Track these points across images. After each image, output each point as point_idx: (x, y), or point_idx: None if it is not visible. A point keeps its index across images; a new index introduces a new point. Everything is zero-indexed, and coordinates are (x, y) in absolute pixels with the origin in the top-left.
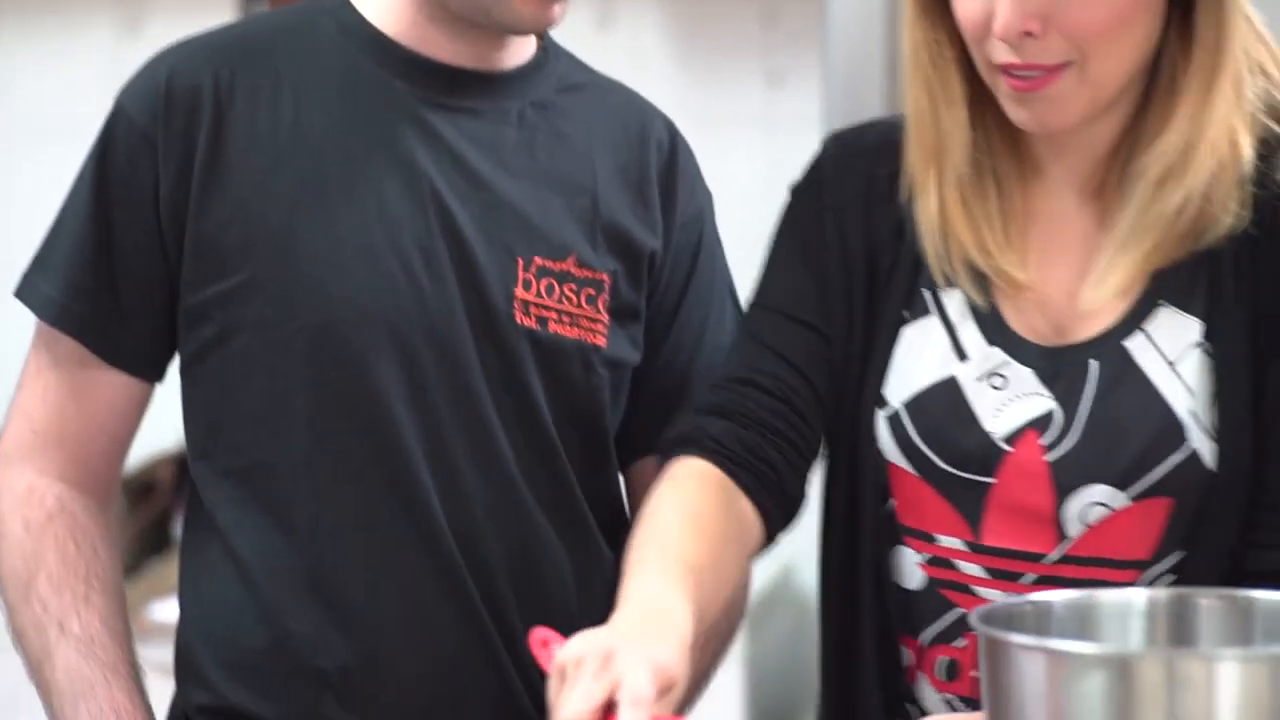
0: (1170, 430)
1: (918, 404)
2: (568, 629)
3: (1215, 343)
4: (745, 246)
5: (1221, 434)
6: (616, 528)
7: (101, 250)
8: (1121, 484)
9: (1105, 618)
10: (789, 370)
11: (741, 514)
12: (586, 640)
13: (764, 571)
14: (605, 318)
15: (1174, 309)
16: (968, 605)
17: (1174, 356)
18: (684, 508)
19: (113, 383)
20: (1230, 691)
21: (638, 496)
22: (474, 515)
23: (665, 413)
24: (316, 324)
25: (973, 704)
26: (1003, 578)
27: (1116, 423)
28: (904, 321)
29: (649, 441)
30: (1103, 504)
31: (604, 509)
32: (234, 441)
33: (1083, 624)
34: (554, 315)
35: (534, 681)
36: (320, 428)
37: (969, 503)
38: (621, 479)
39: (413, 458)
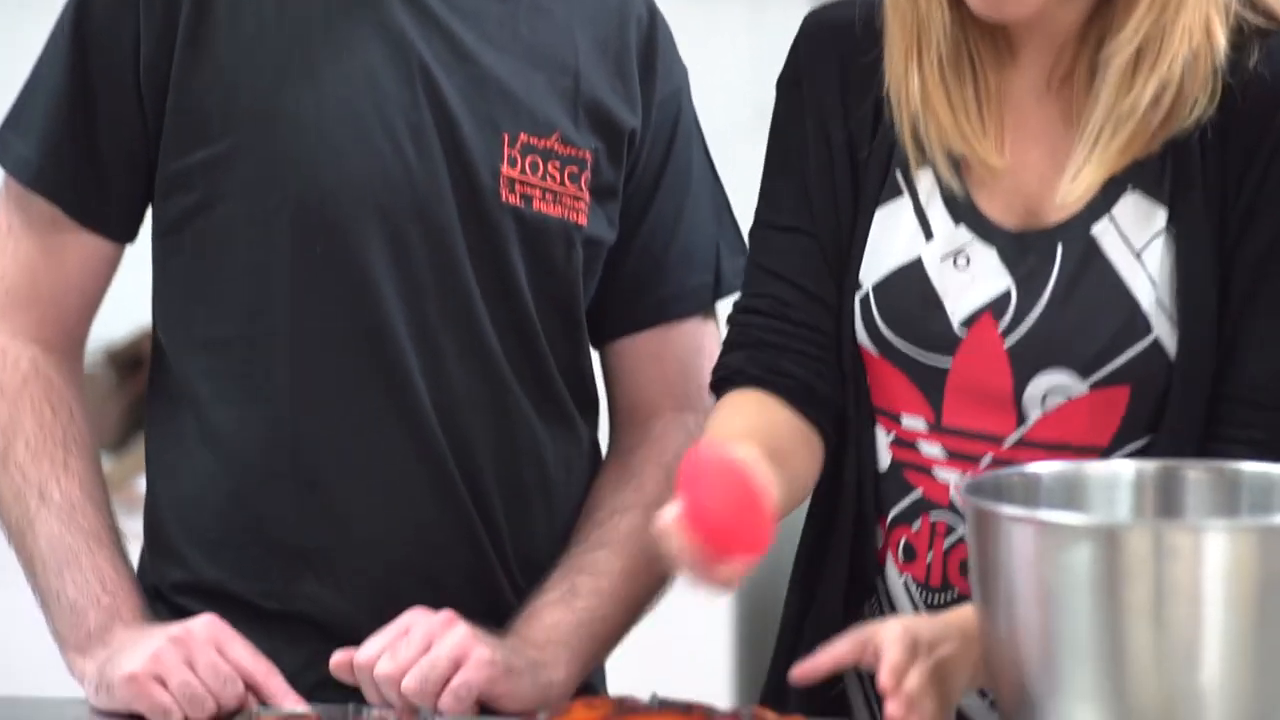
0: (1134, 320)
1: (884, 286)
2: (548, 507)
3: (1180, 229)
4: (733, 126)
5: (1183, 322)
6: (589, 409)
7: (80, 110)
8: (1082, 372)
9: (1093, 489)
10: (782, 285)
11: (791, 417)
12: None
13: None
14: (587, 196)
15: (1141, 195)
16: (926, 487)
17: (1140, 245)
18: (732, 415)
19: (85, 244)
20: (1217, 562)
21: (613, 377)
22: (456, 394)
23: (642, 293)
24: (303, 197)
25: (927, 587)
26: (961, 459)
27: (1078, 311)
28: (878, 204)
29: (625, 322)
30: (1062, 389)
31: (578, 390)
32: (212, 311)
33: (1070, 495)
34: (538, 193)
35: (511, 559)
36: (303, 302)
37: (930, 384)
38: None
39: (397, 335)
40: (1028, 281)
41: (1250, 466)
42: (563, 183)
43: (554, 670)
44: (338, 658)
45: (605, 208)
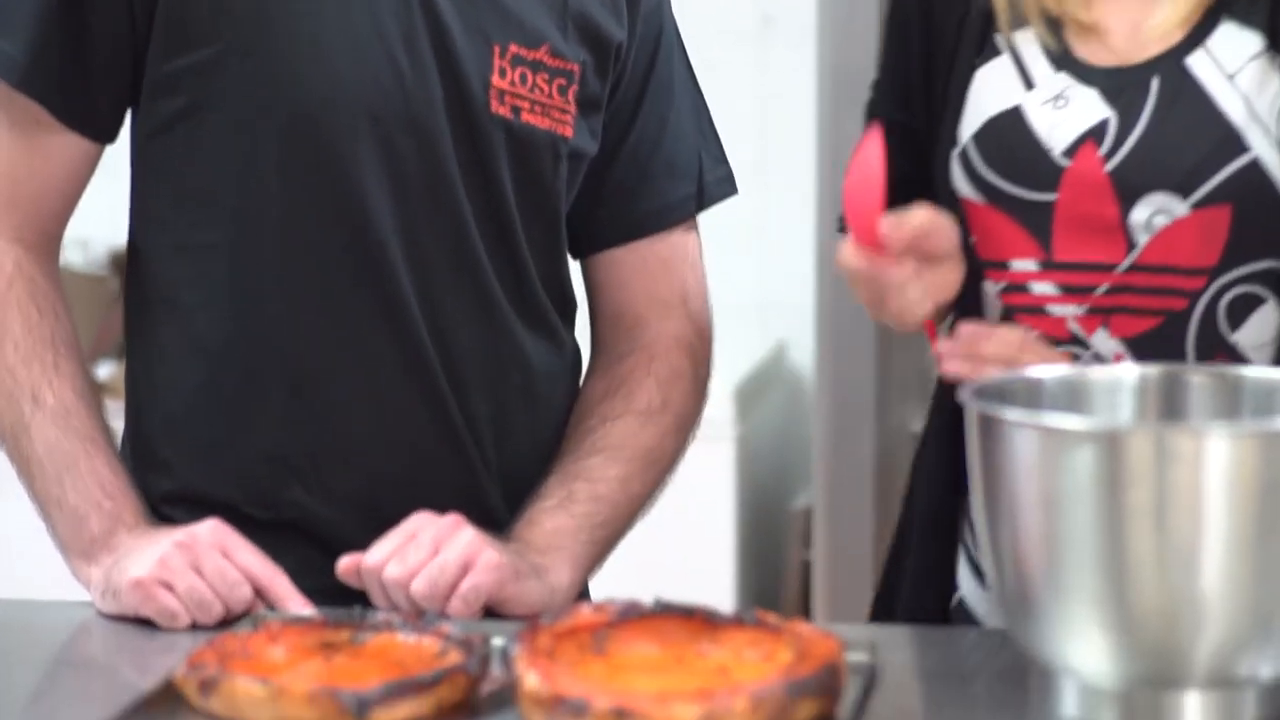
0: (1227, 138)
1: (984, 134)
2: (533, 417)
3: (1278, 51)
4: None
5: None
6: (568, 318)
7: (68, 11)
8: (1182, 191)
9: (1096, 393)
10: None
11: None
12: None
13: (756, 350)
14: (573, 109)
15: (1236, 24)
16: (1041, 326)
17: (1233, 69)
18: None
19: (68, 144)
20: (1219, 466)
21: (597, 288)
22: (443, 303)
23: (628, 204)
24: (293, 104)
25: None
26: (1075, 292)
27: (1173, 133)
28: (975, 67)
29: (611, 234)
30: (1165, 212)
31: (559, 300)
32: (199, 216)
33: (1073, 399)
34: (527, 105)
35: (495, 469)
36: (293, 210)
37: (1037, 222)
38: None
39: (386, 244)
40: (1125, 110)
41: (1253, 371)
42: (550, 95)
43: (557, 575)
44: (345, 562)
45: (589, 120)
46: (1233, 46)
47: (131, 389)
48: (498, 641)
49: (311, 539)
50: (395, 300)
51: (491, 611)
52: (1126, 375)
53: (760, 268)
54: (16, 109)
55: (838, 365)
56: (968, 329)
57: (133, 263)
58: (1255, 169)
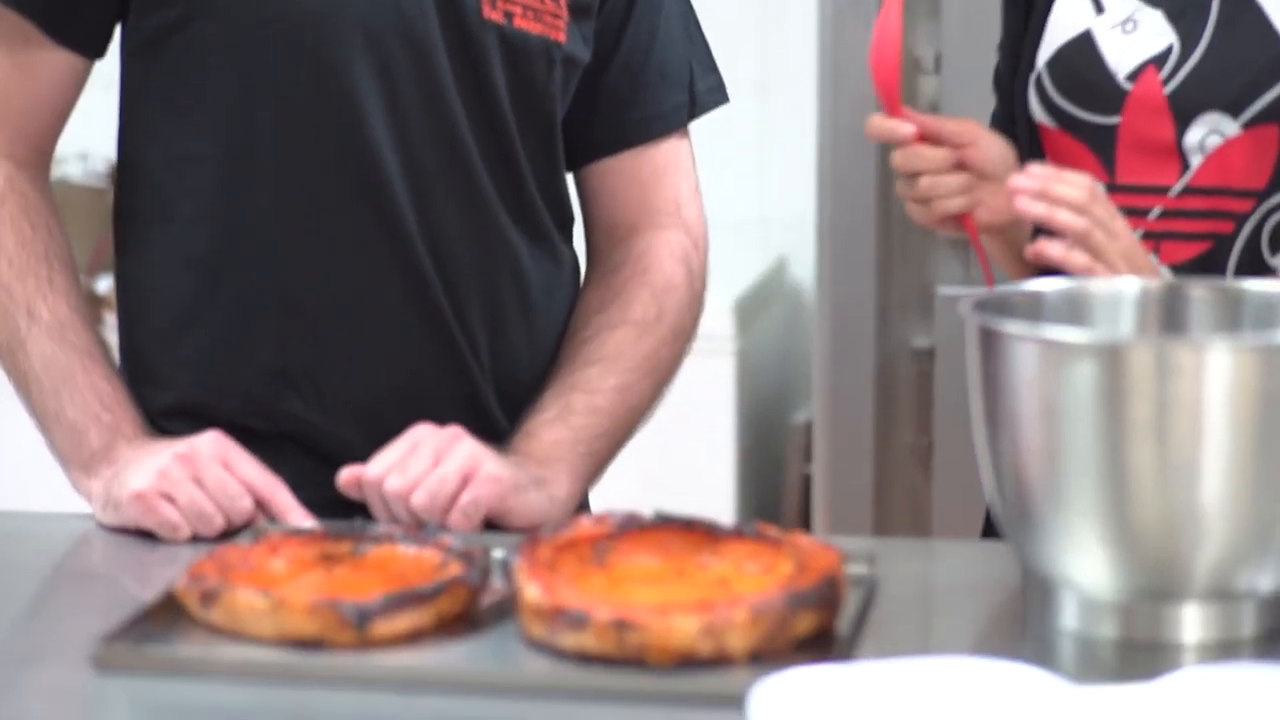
0: (1277, 56)
1: (1057, 60)
2: (529, 328)
3: None
4: None
5: None
6: (566, 229)
7: None
8: (1233, 110)
9: (1097, 307)
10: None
11: None
12: None
13: (758, 264)
14: (565, 14)
15: None
16: None
17: None
18: None
19: (57, 60)
20: (1219, 379)
21: (591, 199)
22: (440, 213)
23: (620, 113)
24: (286, 16)
25: None
26: (1133, 214)
27: (1229, 54)
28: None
29: (604, 143)
30: (1217, 132)
31: (556, 210)
32: (193, 127)
33: (1074, 313)
34: (519, 10)
35: (493, 381)
36: (287, 122)
37: (1103, 145)
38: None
39: (382, 155)
40: (1186, 33)
41: (1254, 285)
42: (543, 0)
43: (556, 486)
44: (345, 474)
45: (581, 26)
46: None
47: (124, 303)
48: (498, 554)
49: (310, 451)
50: (390, 210)
51: (492, 524)
52: (1127, 289)
53: (761, 182)
54: (5, 25)
55: (838, 280)
56: (1039, 168)
57: (123, 175)
58: None
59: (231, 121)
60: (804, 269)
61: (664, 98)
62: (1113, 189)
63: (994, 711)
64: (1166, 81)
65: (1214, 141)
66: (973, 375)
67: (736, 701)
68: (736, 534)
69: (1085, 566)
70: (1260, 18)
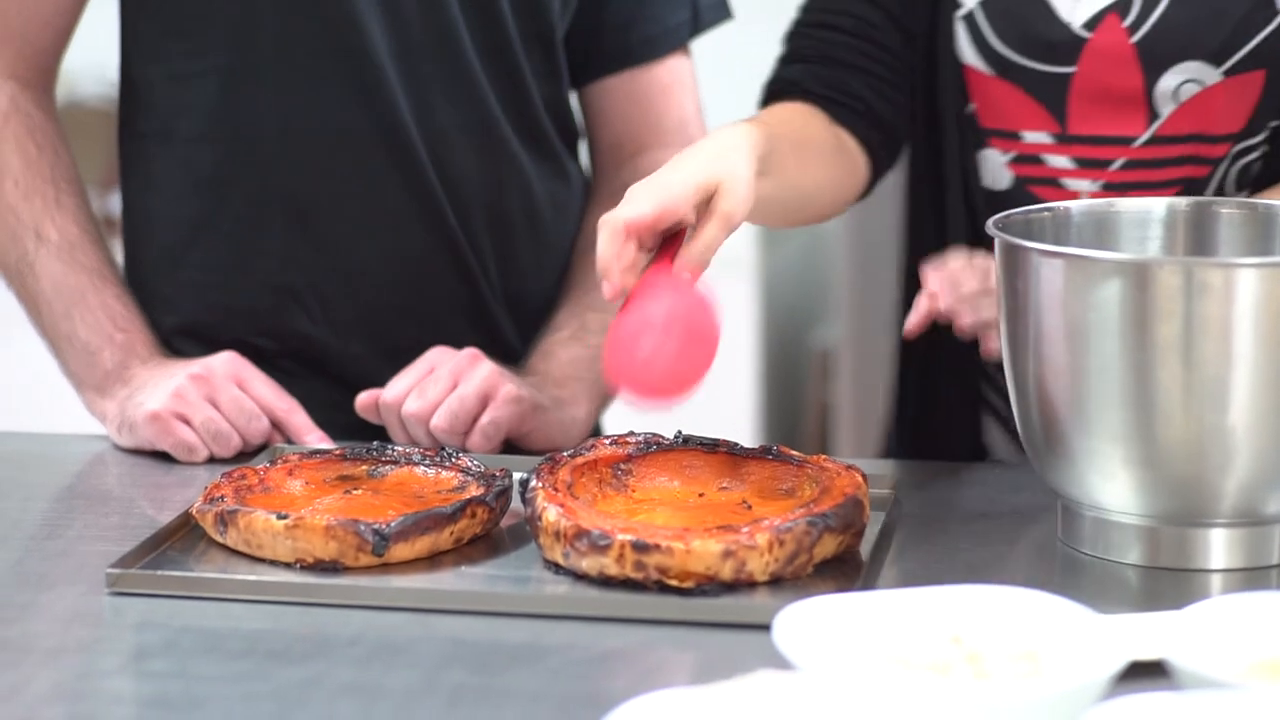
0: (1260, 3)
1: (991, 3)
2: (535, 240)
3: None
4: None
5: None
6: (571, 143)
7: None
8: (1215, 59)
9: (1124, 225)
10: (866, 5)
11: (840, 137)
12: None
13: None
14: None
15: None
16: (1056, 198)
17: None
18: (769, 113)
19: None
20: (1248, 299)
21: (596, 117)
22: (442, 125)
23: (625, 31)
24: None
25: None
26: (1091, 166)
27: (1205, 2)
28: None
29: (609, 61)
30: (1195, 80)
31: (560, 123)
32: (193, 44)
33: (1101, 232)
34: None
35: (500, 293)
36: (287, 37)
37: (1052, 95)
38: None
39: (383, 67)
40: None
41: None
42: None
43: (575, 407)
44: (363, 398)
45: None
46: None
47: (128, 224)
48: (518, 475)
49: (318, 370)
50: (393, 125)
51: (511, 446)
52: (1155, 208)
53: None
54: None
55: (862, 203)
56: (940, 275)
57: (125, 96)
58: None
59: (232, 40)
60: None
61: (669, 14)
62: (1064, 139)
63: (1015, 641)
64: (1133, 29)
65: (1190, 89)
66: (999, 297)
67: (759, 626)
68: (759, 456)
69: (1111, 490)
70: None
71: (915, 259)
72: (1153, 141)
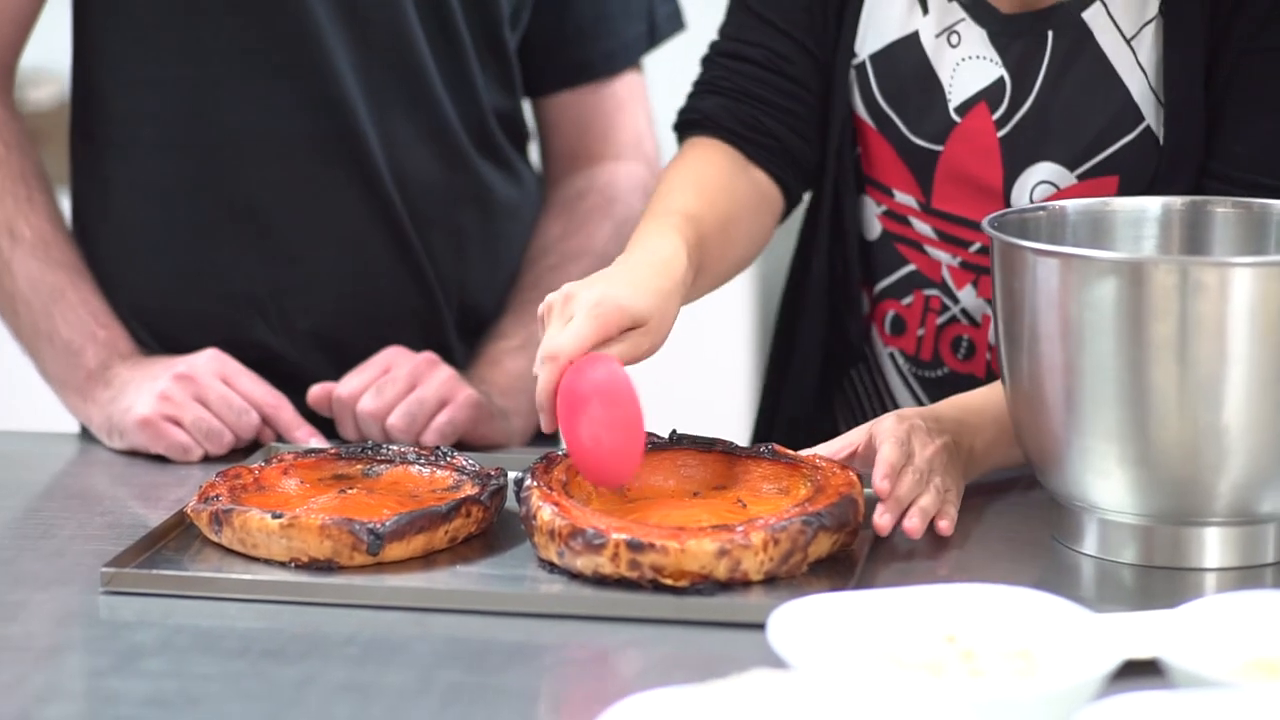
0: (1125, 110)
1: (882, 57)
2: (491, 251)
3: (1172, 13)
4: None
5: (1171, 107)
6: (524, 152)
7: None
8: (1070, 164)
9: (1119, 225)
10: (780, 38)
11: (756, 180)
12: (570, 284)
13: None
14: None
15: None
16: (918, 262)
17: (1131, 32)
18: (689, 174)
19: None
20: (1243, 298)
21: (552, 129)
22: (401, 136)
23: (584, 44)
24: None
25: (916, 361)
26: (951, 242)
27: (1070, 101)
28: None
29: (567, 74)
30: (1050, 182)
31: (513, 134)
32: (152, 52)
33: (1096, 231)
34: None
35: (455, 303)
36: (244, 45)
37: (921, 166)
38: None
39: (342, 78)
40: (1020, 69)
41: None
42: None
43: (518, 418)
44: (316, 390)
45: None
46: (1131, 5)
47: (78, 229)
48: (513, 474)
49: (277, 377)
50: (352, 134)
51: (458, 444)
52: (1150, 206)
53: None
54: None
55: None
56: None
57: (78, 100)
58: (1146, 137)
59: (190, 49)
60: None
61: (627, 28)
62: (927, 210)
63: (1009, 639)
64: (1000, 124)
65: (1045, 190)
66: (994, 296)
67: (754, 625)
68: (754, 455)
69: (1105, 489)
70: (1099, 58)
71: (787, 293)
72: None
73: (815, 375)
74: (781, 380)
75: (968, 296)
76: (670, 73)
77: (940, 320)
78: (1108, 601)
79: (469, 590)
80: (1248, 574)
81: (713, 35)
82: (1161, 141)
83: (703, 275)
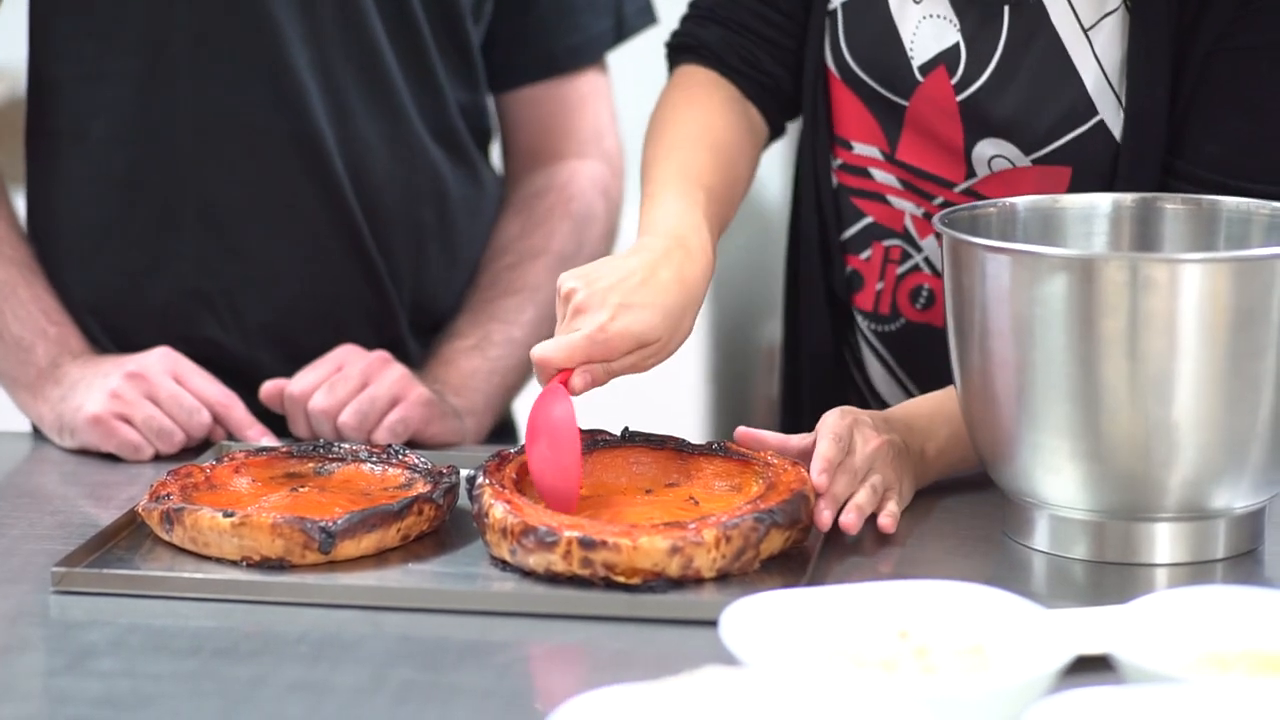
0: (1077, 102)
1: (850, 8)
2: (448, 249)
3: (1139, 7)
4: None
5: (1131, 104)
6: (485, 148)
7: None
8: (1025, 149)
9: (1070, 221)
10: None
11: (750, 117)
12: (582, 277)
13: None
14: None
15: None
16: (877, 214)
17: (1090, 22)
18: (699, 122)
19: None
20: (1192, 294)
21: (514, 124)
22: (358, 131)
23: (549, 39)
24: None
25: (876, 317)
26: (915, 193)
27: (1023, 88)
28: None
29: (531, 69)
30: (1005, 158)
31: (477, 131)
32: (107, 46)
33: (1047, 227)
34: None
35: (409, 301)
36: (202, 39)
37: (888, 118)
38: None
39: (299, 72)
40: (976, 42)
41: (1229, 200)
42: None
43: (470, 418)
44: (268, 387)
45: None
46: None
47: (34, 223)
48: (465, 472)
49: (229, 374)
50: (309, 131)
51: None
52: (1101, 203)
53: None
54: None
55: None
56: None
57: (34, 94)
58: (1100, 131)
59: (146, 41)
60: (772, 190)
61: (592, 23)
62: (891, 160)
63: (962, 635)
64: (958, 89)
65: (1001, 164)
66: (946, 292)
67: (706, 622)
68: (705, 452)
69: (1056, 485)
70: (1055, 45)
71: (789, 255)
72: (969, 193)
73: (829, 340)
74: (797, 353)
75: (930, 245)
76: (640, 67)
77: (901, 270)
78: (1059, 597)
79: (422, 589)
80: (1199, 569)
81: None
82: (1119, 137)
83: (715, 239)
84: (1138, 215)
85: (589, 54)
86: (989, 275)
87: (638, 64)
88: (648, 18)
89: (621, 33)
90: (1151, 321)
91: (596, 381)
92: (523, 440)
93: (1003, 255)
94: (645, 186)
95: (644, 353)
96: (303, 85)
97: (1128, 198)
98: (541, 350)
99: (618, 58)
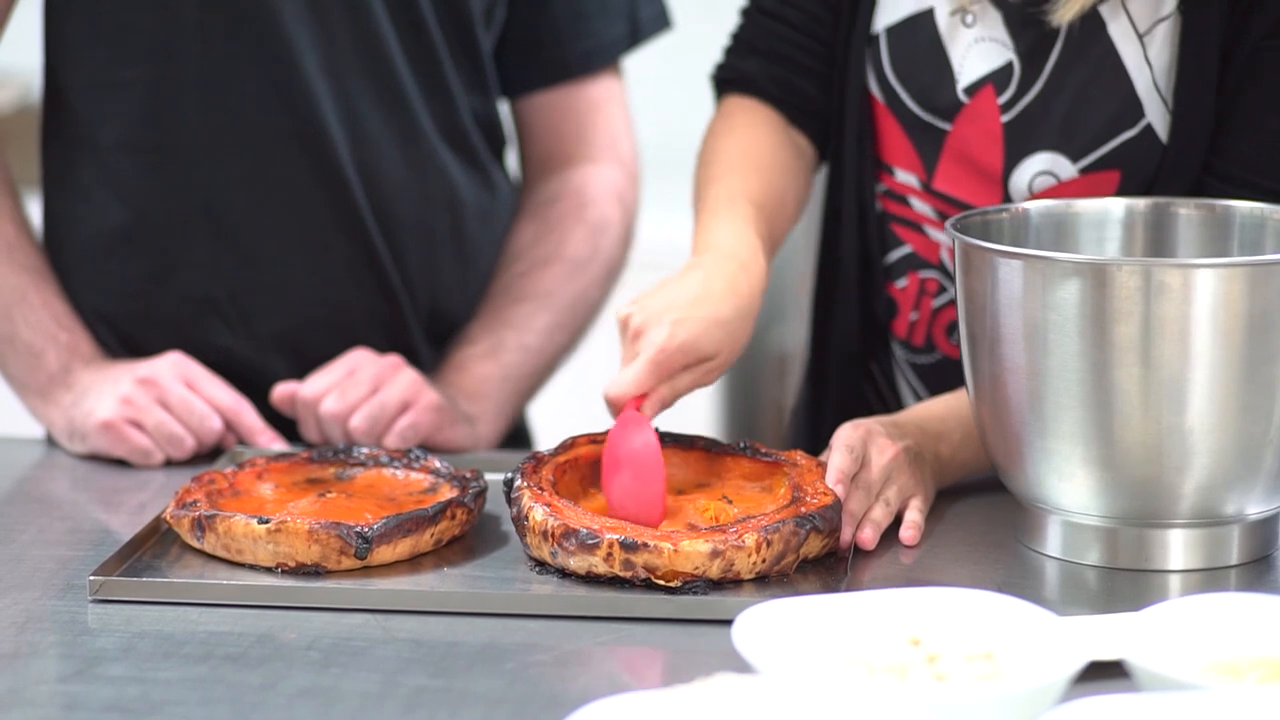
0: (1128, 106)
1: (896, 32)
2: (460, 256)
3: (1190, 9)
4: None
5: (1179, 106)
6: (499, 154)
7: None
8: (1073, 156)
9: (1083, 227)
10: (816, 0)
11: (795, 140)
12: (636, 303)
13: None
14: None
15: None
16: (915, 244)
17: (1145, 27)
18: (743, 146)
19: None
20: (1206, 299)
21: (528, 129)
22: (370, 138)
23: (563, 44)
24: None
25: (909, 347)
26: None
27: (1077, 93)
28: None
29: (545, 75)
30: (1050, 173)
31: (489, 138)
32: (118, 53)
33: (1059, 232)
34: None
35: (422, 308)
36: (212, 45)
37: (927, 144)
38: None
39: (309, 80)
40: (1031, 56)
41: (1243, 205)
42: None
43: (482, 423)
44: (280, 390)
45: None
46: (1147, 2)
47: (49, 230)
48: (490, 476)
49: (238, 380)
50: (319, 138)
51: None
52: (1114, 208)
53: None
54: None
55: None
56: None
57: (49, 102)
58: (1148, 134)
59: (157, 49)
60: None
61: (606, 28)
62: (928, 190)
63: (974, 642)
64: (1005, 109)
65: (1044, 182)
66: (958, 298)
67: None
68: (734, 452)
69: (1069, 491)
70: (1111, 55)
71: (821, 275)
72: None
73: (857, 359)
74: (824, 368)
75: None
76: (657, 72)
77: (936, 303)
78: (1072, 604)
79: (465, 592)
80: (1212, 576)
81: (701, 35)
82: (1165, 140)
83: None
84: (1151, 220)
85: (602, 59)
86: (1001, 280)
87: (655, 69)
88: (662, 23)
89: (636, 38)
90: (1165, 327)
91: (665, 405)
92: (537, 447)
93: (1015, 260)
94: (697, 215)
95: (705, 367)
96: (313, 92)
97: (1140, 203)
98: (613, 389)
99: (635, 63)
